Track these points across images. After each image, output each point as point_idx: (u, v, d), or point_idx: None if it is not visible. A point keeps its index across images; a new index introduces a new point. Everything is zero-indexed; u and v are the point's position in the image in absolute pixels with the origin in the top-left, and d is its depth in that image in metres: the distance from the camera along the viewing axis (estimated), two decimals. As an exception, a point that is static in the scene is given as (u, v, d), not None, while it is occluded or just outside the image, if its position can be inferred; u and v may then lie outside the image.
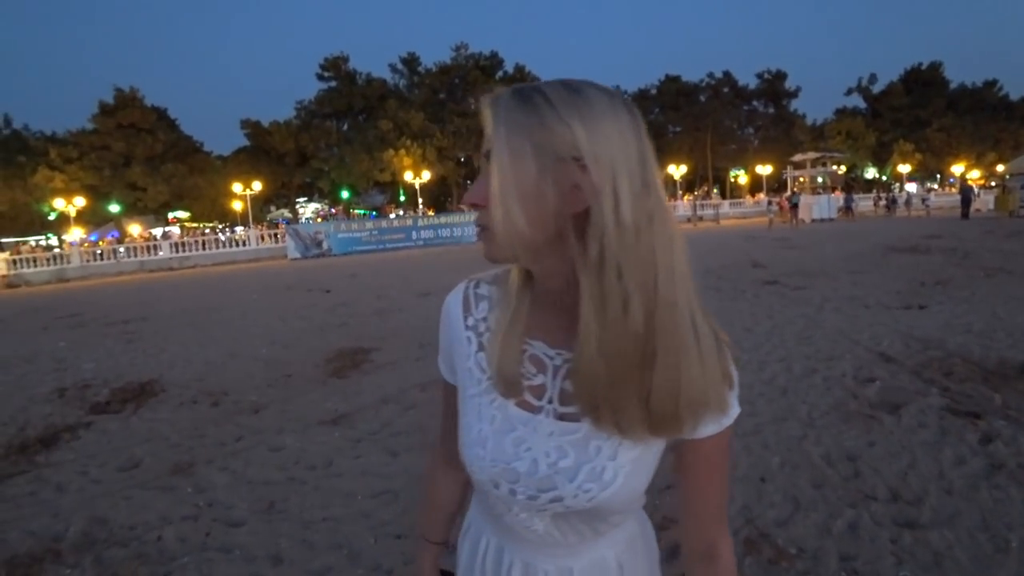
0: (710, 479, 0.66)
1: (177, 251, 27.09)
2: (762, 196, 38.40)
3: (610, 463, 0.61)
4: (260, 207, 43.39)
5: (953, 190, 37.54)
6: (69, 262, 25.35)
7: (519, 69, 43.19)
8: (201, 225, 43.19)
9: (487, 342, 0.67)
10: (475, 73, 42.92)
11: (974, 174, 43.61)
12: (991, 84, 50.12)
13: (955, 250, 11.08)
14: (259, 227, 32.85)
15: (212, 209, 42.28)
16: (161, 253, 26.86)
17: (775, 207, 26.64)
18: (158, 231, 37.55)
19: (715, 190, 48.55)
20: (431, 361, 5.34)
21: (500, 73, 43.63)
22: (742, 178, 49.38)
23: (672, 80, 49.51)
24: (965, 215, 22.90)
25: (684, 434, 0.60)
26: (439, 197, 46.12)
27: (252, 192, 34.26)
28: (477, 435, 0.66)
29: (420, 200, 39.04)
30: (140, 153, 37.78)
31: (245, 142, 43.40)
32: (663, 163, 42.88)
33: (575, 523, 0.66)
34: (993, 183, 35.48)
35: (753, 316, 6.07)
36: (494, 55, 44.09)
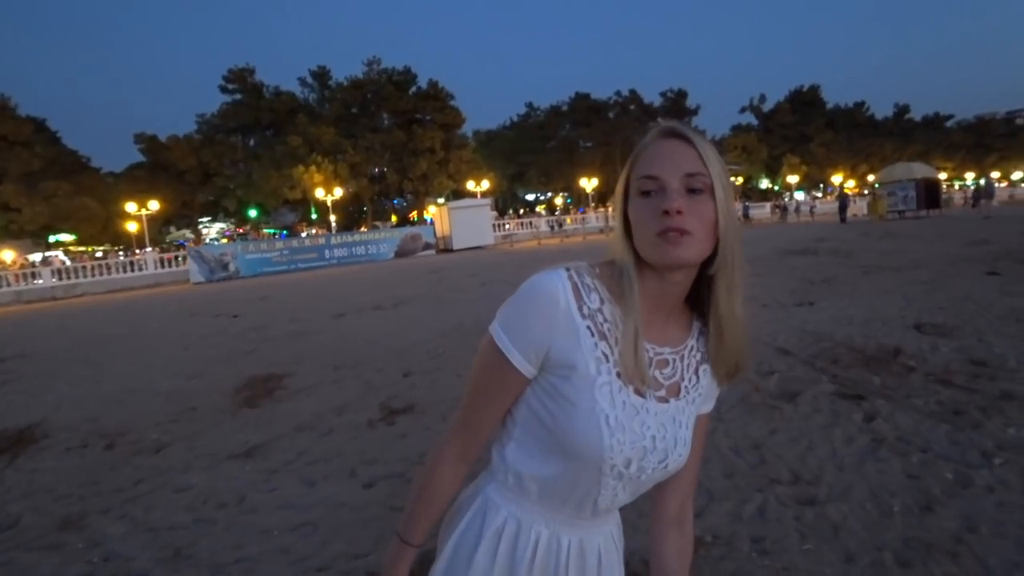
0: (698, 452, 0.86)
1: (61, 278, 24.49)
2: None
3: (686, 432, 0.79)
4: (158, 228, 40.24)
5: (832, 198, 41.68)
6: (-76, 297, 22.21)
7: (433, 84, 43.14)
8: (90, 249, 39.33)
9: (614, 334, 0.74)
10: (388, 88, 42.39)
11: (850, 183, 48.71)
12: (860, 105, 56.43)
13: (838, 251, 12.28)
14: (158, 250, 30.42)
15: (103, 231, 38.61)
16: (41, 281, 24.19)
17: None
18: (37, 256, 33.75)
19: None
20: (348, 384, 5.19)
21: (414, 88, 43.37)
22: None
23: (582, 97, 51.47)
24: (843, 220, 25.49)
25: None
26: (353, 214, 44.92)
27: (149, 212, 31.69)
28: (615, 422, 0.73)
29: (333, 218, 37.83)
30: (14, 169, 33.84)
31: (140, 158, 40.10)
32: (575, 177, 44.52)
33: (641, 490, 0.81)
34: (866, 191, 39.82)
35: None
36: (407, 70, 43.78)
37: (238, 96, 41.63)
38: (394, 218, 45.30)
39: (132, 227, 35.29)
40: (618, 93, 52.92)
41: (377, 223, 42.58)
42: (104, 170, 41.96)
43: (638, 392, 0.75)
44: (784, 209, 32.84)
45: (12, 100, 35.10)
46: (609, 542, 0.85)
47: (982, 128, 59.36)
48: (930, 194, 24.31)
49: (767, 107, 53.81)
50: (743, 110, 55.03)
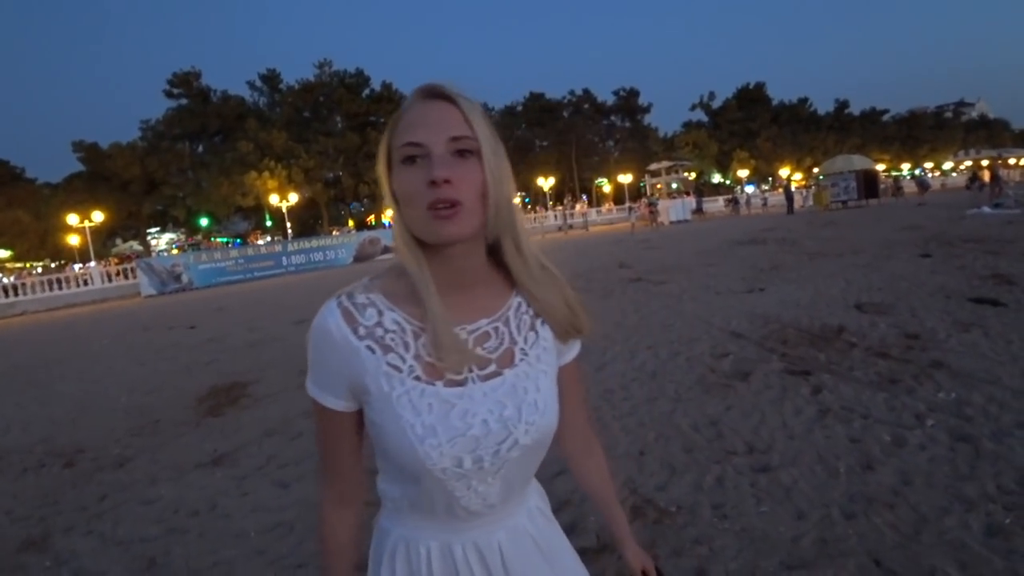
0: (580, 392, 0.89)
1: (-4, 298, 23.10)
2: (611, 207, 41.39)
3: (538, 395, 0.74)
4: (103, 241, 38.38)
5: (781, 191, 43.37)
6: None
7: (386, 86, 42.72)
8: (28, 265, 37.19)
9: (403, 340, 0.71)
10: (340, 91, 41.71)
11: (797, 176, 50.78)
12: (804, 100, 58.84)
13: (785, 240, 12.87)
14: (103, 263, 29.04)
15: (41, 246, 36.60)
16: (-26, 302, 22.74)
17: (637, 212, 28.95)
18: (-33, 277, 31.69)
19: (583, 198, 51.63)
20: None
21: (367, 91, 42.82)
22: (606, 187, 53.00)
23: (536, 97, 51.90)
24: (790, 211, 26.63)
25: (581, 332, 0.81)
26: (308, 220, 43.98)
27: (92, 224, 30.18)
28: (423, 428, 0.68)
29: (288, 224, 36.97)
30: (-65, 185, 31.75)
31: (80, 167, 38.18)
32: (532, 176, 44.83)
33: (520, 472, 0.76)
34: (811, 184, 41.62)
35: (622, 311, 6.58)
36: (360, 72, 43.18)
37: (184, 101, 40.14)
38: (351, 223, 44.59)
39: (74, 240, 33.56)
40: (572, 92, 53.62)
41: (334, 228, 41.82)
42: (40, 181, 39.77)
43: (455, 382, 0.71)
44: (736, 202, 34.00)
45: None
46: (517, 534, 0.78)
47: (914, 121, 63.08)
48: (869, 184, 25.71)
49: (716, 104, 55.45)
50: (693, 107, 56.55)
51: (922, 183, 28.24)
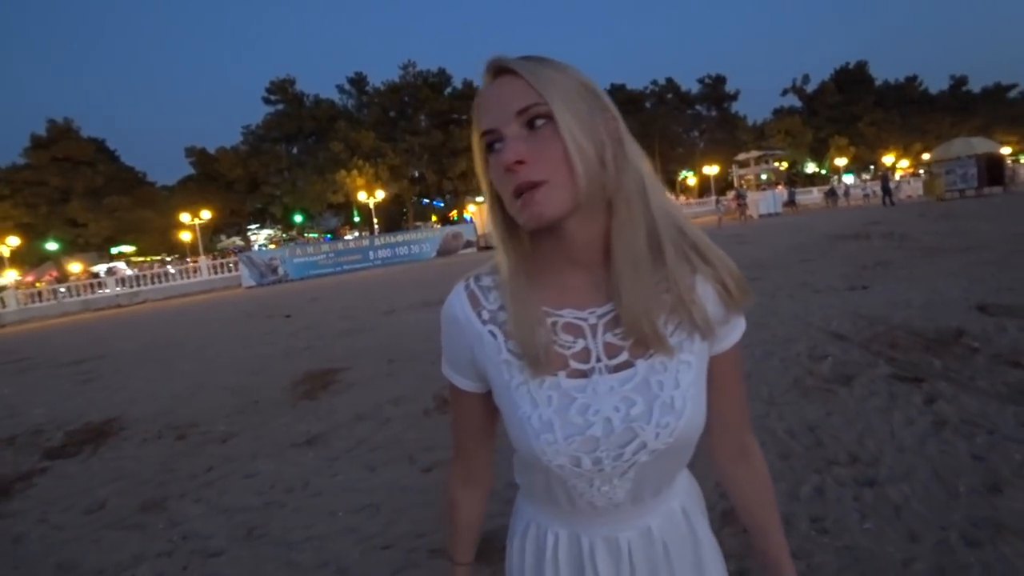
0: (738, 385, 0.74)
1: (125, 287, 26.01)
2: (688, 199, 39.57)
3: (676, 392, 0.64)
4: (210, 236, 42.11)
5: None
6: (5, 306, 23.98)
7: (467, 84, 43.54)
8: (149, 259, 41.56)
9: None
10: (424, 91, 43.06)
11: (903, 164, 46.32)
12: (912, 80, 53.61)
13: (893, 234, 11.76)
14: (211, 257, 31.88)
15: (160, 242, 40.80)
16: (107, 290, 25.74)
17: (724, 205, 27.63)
18: (101, 267, 35.88)
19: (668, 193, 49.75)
20: (402, 377, 5.34)
21: (449, 89, 43.90)
22: (691, 179, 50.98)
23: (618, 89, 50.86)
24: (888, 202, 24.23)
25: (725, 332, 0.69)
26: (394, 216, 45.78)
27: (201, 221, 33.25)
28: (540, 422, 0.64)
29: (375, 220, 38.70)
30: (79, 187, 36.25)
31: (191, 171, 42.18)
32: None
33: (654, 474, 0.68)
34: (921, 171, 37.83)
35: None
36: (442, 71, 44.36)
37: (280, 106, 43.19)
38: (434, 218, 45.93)
39: (186, 236, 37.12)
40: (654, 82, 52.11)
41: (418, 223, 43.29)
42: (159, 184, 44.32)
43: (579, 373, 0.65)
44: (833, 193, 31.57)
45: (75, 123, 37.55)
46: (649, 537, 0.72)
47: (1050, 97, 55.33)
48: (992, 170, 22.84)
49: (811, 88, 51.77)
50: (785, 92, 53.15)
51: None
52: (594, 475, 0.66)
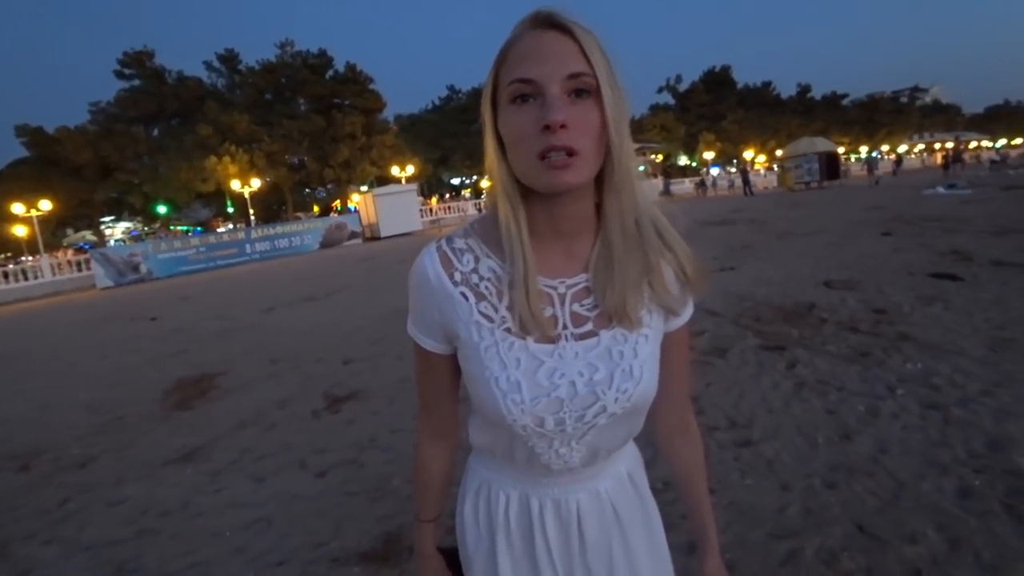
0: (685, 362, 0.79)
1: (-62, 294, 21.90)
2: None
3: (634, 361, 0.68)
4: (53, 231, 36.63)
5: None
6: None
7: (351, 67, 41.56)
8: (-31, 259, 35.28)
9: (497, 289, 0.68)
10: (304, 72, 40.42)
11: (762, 158, 51.79)
12: (767, 84, 59.84)
13: (754, 220, 13.11)
14: (55, 255, 27.78)
15: (-17, 239, 34.72)
16: (-88, 299, 21.53)
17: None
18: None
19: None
20: (287, 377, 5.03)
21: (331, 72, 41.63)
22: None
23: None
24: (747, 192, 27.16)
25: (680, 312, 0.73)
26: (272, 206, 42.81)
27: (40, 213, 28.72)
28: (507, 383, 0.66)
29: (251, 211, 35.93)
30: None
31: (24, 153, 36.09)
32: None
33: (608, 438, 0.71)
34: (775, 166, 42.55)
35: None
36: (323, 53, 41.87)
37: (136, 82, 38.21)
38: (316, 208, 43.62)
39: (21, 231, 31.90)
40: (539, 75, 53.18)
41: (299, 214, 40.87)
42: (-21, 169, 37.53)
43: (547, 338, 0.67)
44: (703, 184, 34.53)
45: None
46: (598, 499, 0.75)
47: (873, 106, 64.80)
48: (831, 166, 26.37)
49: (683, 87, 55.90)
50: (660, 90, 56.84)
51: (871, 164, 29.18)
52: (555, 436, 0.68)
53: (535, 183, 0.62)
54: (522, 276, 0.65)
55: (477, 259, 0.69)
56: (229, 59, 41.92)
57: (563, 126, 0.58)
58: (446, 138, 47.33)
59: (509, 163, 0.64)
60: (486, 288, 0.68)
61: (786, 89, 69.75)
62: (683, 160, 54.27)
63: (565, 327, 0.68)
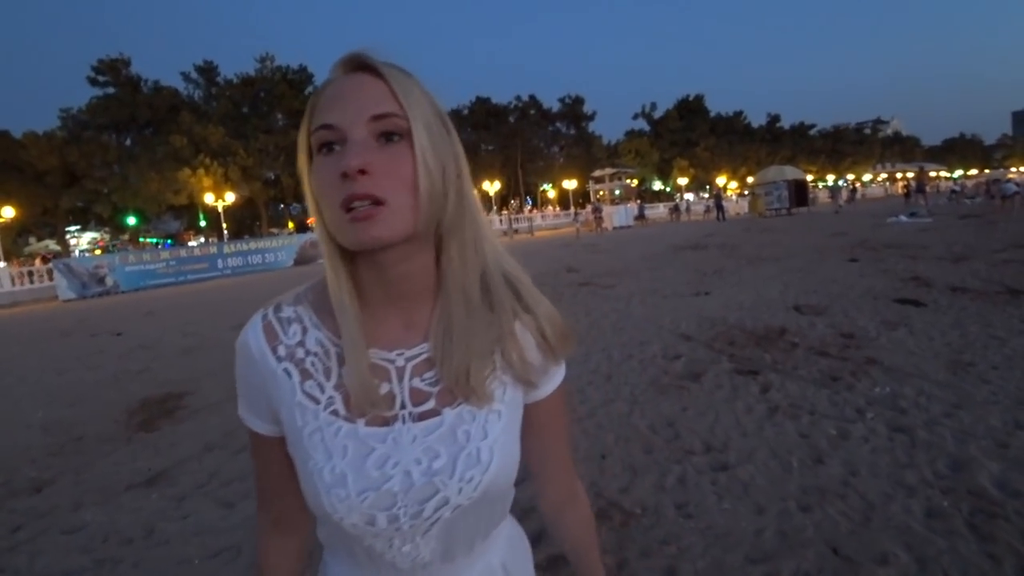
0: (561, 431, 0.71)
1: None
2: (557, 210, 42.32)
3: (483, 443, 0.60)
4: (13, 239, 35.29)
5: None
6: None
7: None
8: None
9: (324, 364, 0.60)
10: (282, 86, 40.24)
11: (733, 184, 53.30)
12: (739, 113, 61.94)
13: (725, 245, 13.45)
14: (15, 263, 26.74)
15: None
16: None
17: (583, 218, 29.55)
18: None
19: (527, 203, 51.99)
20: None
21: (310, 88, 41.50)
22: (551, 192, 53.76)
23: (482, 101, 51.95)
24: (720, 218, 27.86)
25: (540, 384, 0.65)
26: (246, 221, 42.13)
27: (1, 219, 27.72)
28: (331, 475, 0.57)
29: (224, 225, 35.28)
30: None
31: (-17, 159, 34.84)
32: (478, 180, 44.98)
33: (463, 530, 0.63)
34: (746, 192, 43.82)
35: (573, 315, 6.65)
36: (303, 68, 41.83)
37: (111, 90, 37.40)
38: (291, 224, 43.10)
39: (-23, 240, 30.68)
40: (518, 98, 53.97)
41: (273, 230, 40.28)
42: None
43: (381, 420, 0.59)
44: (677, 209, 35.31)
45: None
46: None
47: (838, 136, 67.68)
48: (800, 193, 27.30)
49: (657, 114, 57.39)
50: (636, 116, 58.28)
51: (834, 192, 30.37)
52: (392, 534, 0.59)
53: (343, 240, 0.55)
54: (350, 346, 0.58)
55: (305, 330, 0.62)
56: (207, 70, 41.51)
57: (362, 171, 0.52)
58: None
59: (323, 220, 0.57)
60: (312, 364, 0.60)
61: (756, 118, 72.29)
62: (657, 185, 55.44)
63: (403, 406, 0.60)
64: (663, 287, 8.00)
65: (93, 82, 37.55)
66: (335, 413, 0.59)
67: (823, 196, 39.46)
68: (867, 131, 77.29)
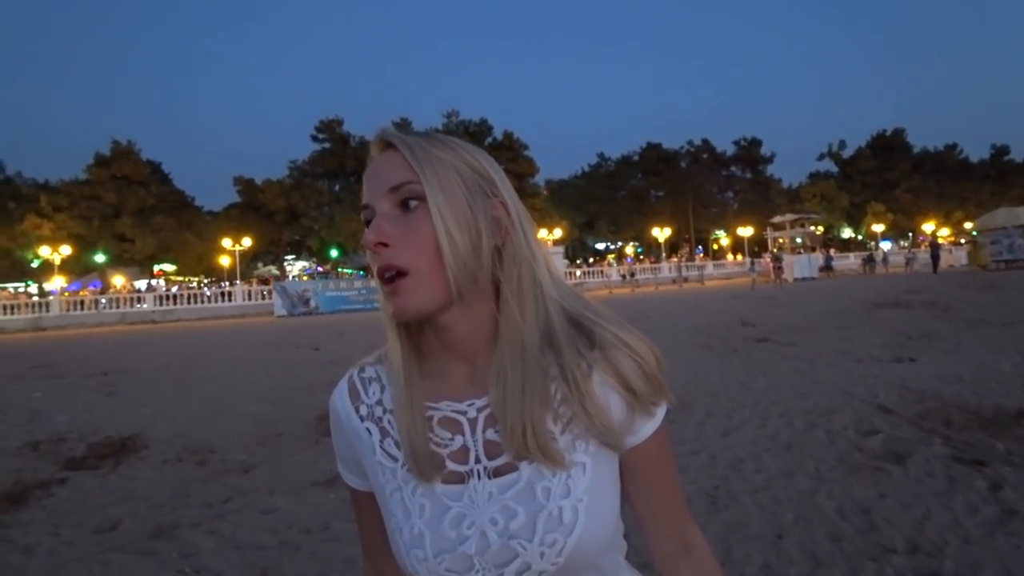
0: (666, 476, 0.64)
1: (161, 304, 26.83)
2: (741, 257, 39.45)
3: (565, 501, 0.55)
4: (247, 263, 43.41)
5: (926, 247, 38.98)
6: (48, 310, 24.90)
7: (508, 135, 44.80)
8: (187, 279, 42.95)
9: (393, 424, 0.60)
10: (465, 139, 44.28)
11: (944, 232, 45.43)
12: (952, 147, 53.25)
13: (935, 304, 11.34)
14: (248, 283, 32.74)
15: (199, 263, 42.21)
16: (144, 305, 26.60)
17: (759, 268, 27.35)
18: (142, 283, 37.15)
19: (698, 251, 49.61)
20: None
21: (489, 139, 45.22)
22: (724, 239, 50.75)
23: (653, 147, 51.58)
24: (935, 270, 23.71)
25: (620, 445, 0.59)
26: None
27: (241, 248, 34.38)
28: (411, 535, 0.56)
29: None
30: (131, 205, 38.17)
31: (237, 199, 43.96)
32: (647, 226, 44.16)
33: None
34: (963, 240, 36.99)
35: (748, 373, 6.06)
36: (483, 121, 45.85)
37: (327, 145, 45.07)
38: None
39: (225, 261, 38.32)
40: (690, 142, 52.74)
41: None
42: (205, 208, 46.23)
43: (456, 476, 0.57)
44: (871, 260, 30.97)
45: (136, 145, 40.03)
46: None
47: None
48: (1040, 244, 22.19)
49: (847, 153, 51.73)
50: (821, 157, 53.21)
51: None
52: None
53: (385, 312, 0.57)
54: (400, 400, 0.58)
55: (383, 389, 0.62)
56: (402, 126, 47.17)
57: (381, 244, 0.54)
58: (592, 203, 48.38)
59: None
60: (389, 422, 0.60)
61: (976, 152, 61.14)
62: (847, 232, 49.44)
63: (478, 460, 0.57)
64: (854, 349, 6.97)
65: (315, 138, 45.56)
66: (409, 470, 0.58)
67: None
68: None
